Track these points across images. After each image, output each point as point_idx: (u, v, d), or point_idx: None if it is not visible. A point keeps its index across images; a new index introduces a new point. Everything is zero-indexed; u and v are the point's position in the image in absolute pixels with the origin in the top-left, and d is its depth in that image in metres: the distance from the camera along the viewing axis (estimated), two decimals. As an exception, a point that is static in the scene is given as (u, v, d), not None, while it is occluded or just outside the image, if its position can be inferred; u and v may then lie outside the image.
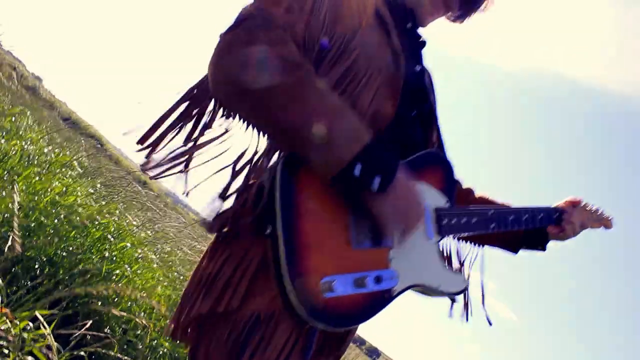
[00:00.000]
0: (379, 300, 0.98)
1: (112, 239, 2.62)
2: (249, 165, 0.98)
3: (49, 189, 2.74)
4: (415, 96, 1.18)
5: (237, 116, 0.98)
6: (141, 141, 0.95)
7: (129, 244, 2.75)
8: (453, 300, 1.30)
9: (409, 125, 1.15)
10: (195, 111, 0.98)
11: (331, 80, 1.00)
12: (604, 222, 1.61)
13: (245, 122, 0.97)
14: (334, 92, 0.94)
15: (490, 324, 1.40)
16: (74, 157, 3.94)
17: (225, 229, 0.98)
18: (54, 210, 2.59)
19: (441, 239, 1.14)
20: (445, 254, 1.30)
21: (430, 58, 1.32)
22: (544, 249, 1.46)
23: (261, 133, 0.97)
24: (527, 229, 1.38)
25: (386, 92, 1.06)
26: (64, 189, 2.90)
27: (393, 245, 1.01)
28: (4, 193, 2.22)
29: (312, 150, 0.88)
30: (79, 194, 3.16)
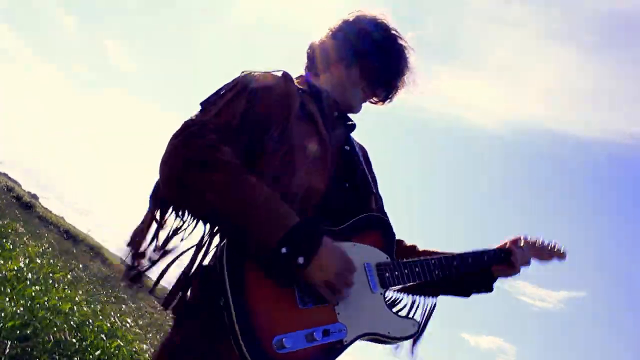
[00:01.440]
0: (332, 351, 1.11)
1: (104, 339, 2.71)
2: (197, 249, 1.14)
3: (47, 300, 2.87)
4: (346, 171, 1.36)
5: (183, 211, 1.15)
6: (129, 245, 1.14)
7: (122, 343, 2.83)
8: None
9: (343, 196, 1.32)
10: (156, 216, 1.16)
11: (269, 167, 1.18)
12: (555, 254, 1.72)
13: (191, 216, 1.15)
14: (262, 184, 1.10)
15: None
16: (69, 269, 4.08)
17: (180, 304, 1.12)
18: (51, 318, 2.69)
19: (386, 291, 1.28)
20: (394, 305, 1.42)
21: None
22: (491, 289, 1.56)
23: (205, 222, 1.15)
24: (472, 272, 1.50)
25: (316, 171, 1.24)
26: (58, 299, 3.02)
27: (337, 301, 1.15)
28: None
29: (245, 237, 1.05)
30: (77, 299, 3.27)
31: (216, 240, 1.15)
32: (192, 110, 1.22)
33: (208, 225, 1.15)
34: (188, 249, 1.15)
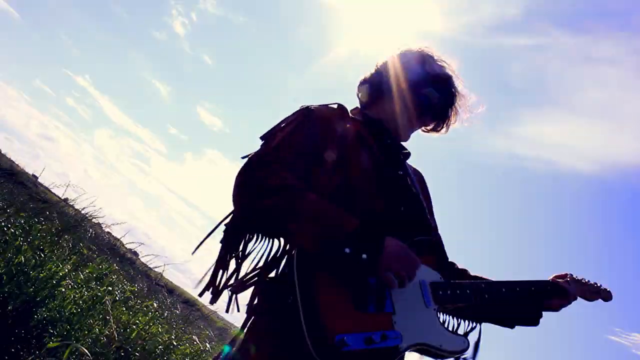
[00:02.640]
0: (387, 356, 1.25)
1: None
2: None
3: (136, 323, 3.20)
4: (401, 196, 1.52)
5: (256, 233, 1.36)
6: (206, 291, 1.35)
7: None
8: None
9: (398, 220, 1.48)
10: (229, 253, 1.36)
11: (327, 190, 1.35)
12: (602, 294, 1.75)
13: (263, 237, 1.36)
14: (324, 199, 1.29)
15: None
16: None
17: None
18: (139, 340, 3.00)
19: (440, 308, 1.41)
20: (446, 323, 1.53)
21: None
22: (537, 323, 1.61)
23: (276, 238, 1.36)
24: (520, 304, 1.58)
25: (372, 195, 1.42)
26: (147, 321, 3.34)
27: (394, 311, 1.30)
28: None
29: (311, 244, 1.24)
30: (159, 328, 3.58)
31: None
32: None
33: (279, 241, 1.36)
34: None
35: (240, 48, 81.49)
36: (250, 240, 1.36)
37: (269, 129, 1.43)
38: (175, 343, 3.16)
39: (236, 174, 1.32)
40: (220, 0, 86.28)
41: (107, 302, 3.10)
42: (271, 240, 1.37)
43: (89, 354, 2.31)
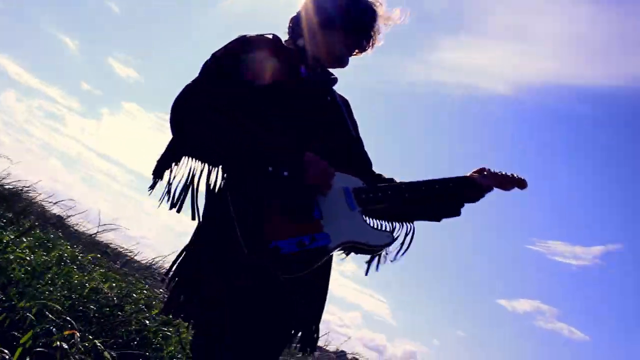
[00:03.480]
0: (319, 254, 1.40)
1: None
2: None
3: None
4: (329, 117, 1.64)
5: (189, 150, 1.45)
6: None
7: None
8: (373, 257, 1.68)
9: (326, 139, 1.59)
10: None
11: (261, 109, 1.46)
12: (517, 182, 1.95)
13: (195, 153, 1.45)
14: (248, 121, 1.41)
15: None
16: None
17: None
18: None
19: (363, 210, 1.55)
20: (373, 224, 1.68)
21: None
22: (458, 213, 1.77)
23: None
24: (440, 196, 1.75)
25: (301, 118, 1.53)
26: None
27: (322, 217, 1.44)
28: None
29: (240, 162, 1.36)
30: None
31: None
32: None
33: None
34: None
35: (146, -8, 72.21)
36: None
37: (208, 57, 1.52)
38: (128, 293, 3.24)
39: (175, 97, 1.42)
40: (125, -56, 75.86)
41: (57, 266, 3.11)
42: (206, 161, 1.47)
43: (60, 308, 2.36)
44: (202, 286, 1.40)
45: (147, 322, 3.06)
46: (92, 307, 2.94)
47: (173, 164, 1.44)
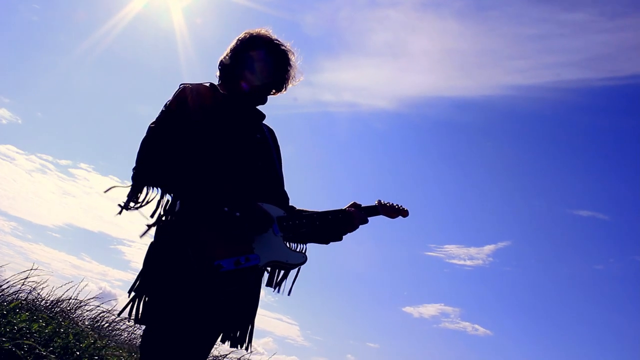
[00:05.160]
0: (252, 271, 1.77)
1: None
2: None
3: None
4: (259, 154, 2.00)
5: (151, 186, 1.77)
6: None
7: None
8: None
9: (259, 172, 1.96)
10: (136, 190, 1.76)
11: (207, 150, 1.79)
12: (401, 212, 2.43)
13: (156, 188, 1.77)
14: (202, 166, 1.75)
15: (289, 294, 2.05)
16: None
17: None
18: None
19: (285, 234, 1.95)
20: (290, 245, 2.09)
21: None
22: (340, 239, 2.15)
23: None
24: (330, 228, 2.13)
25: (239, 155, 1.88)
26: None
27: (253, 240, 1.81)
28: None
29: (198, 204, 1.70)
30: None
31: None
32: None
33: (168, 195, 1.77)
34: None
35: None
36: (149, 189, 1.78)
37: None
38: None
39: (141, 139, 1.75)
40: None
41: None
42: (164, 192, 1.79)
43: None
44: (157, 294, 1.70)
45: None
46: None
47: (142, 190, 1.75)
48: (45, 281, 5.40)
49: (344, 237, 2.16)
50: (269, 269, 1.96)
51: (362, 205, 2.25)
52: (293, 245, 2.08)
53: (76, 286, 5.72)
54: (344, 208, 2.17)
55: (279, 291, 2.02)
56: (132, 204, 1.74)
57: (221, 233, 1.73)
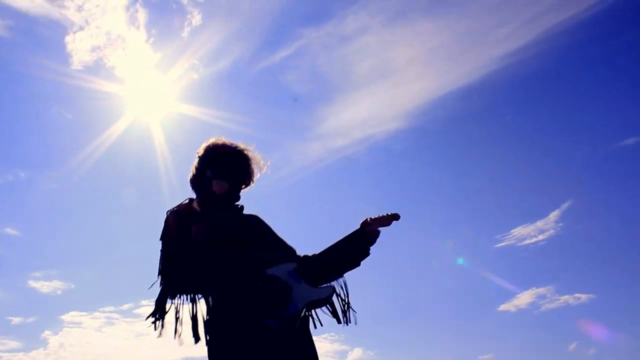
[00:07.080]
0: (295, 317, 2.06)
1: None
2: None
3: None
4: (241, 242, 2.28)
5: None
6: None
7: None
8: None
9: (263, 257, 2.26)
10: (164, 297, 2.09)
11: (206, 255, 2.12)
12: (392, 217, 2.73)
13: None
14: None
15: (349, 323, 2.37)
16: None
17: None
18: None
19: (308, 279, 2.24)
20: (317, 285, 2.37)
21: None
22: (367, 254, 2.41)
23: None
24: (349, 250, 2.46)
25: (231, 254, 2.19)
26: None
27: (290, 301, 2.11)
28: None
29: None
30: None
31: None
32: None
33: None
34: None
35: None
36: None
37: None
38: None
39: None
40: None
41: None
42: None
43: None
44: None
45: None
46: None
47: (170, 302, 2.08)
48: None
49: (370, 250, 2.42)
50: (308, 310, 2.24)
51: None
52: (318, 285, 2.37)
53: None
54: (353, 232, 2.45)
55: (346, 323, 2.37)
56: (158, 313, 2.07)
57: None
